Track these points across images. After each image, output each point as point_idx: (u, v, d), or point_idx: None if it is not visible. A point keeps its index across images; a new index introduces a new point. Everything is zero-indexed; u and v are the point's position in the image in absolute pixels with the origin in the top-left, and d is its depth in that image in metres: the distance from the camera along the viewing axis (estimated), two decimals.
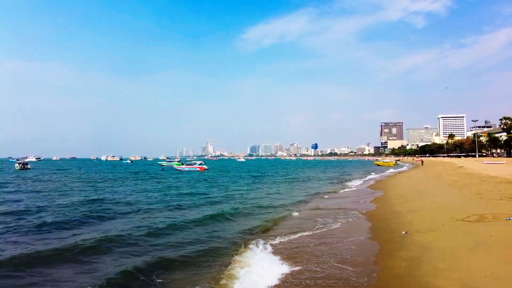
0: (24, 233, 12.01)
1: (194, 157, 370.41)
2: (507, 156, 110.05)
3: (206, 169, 64.93)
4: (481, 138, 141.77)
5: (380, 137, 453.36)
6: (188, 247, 10.34)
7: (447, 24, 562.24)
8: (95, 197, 22.44)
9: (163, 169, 75.14)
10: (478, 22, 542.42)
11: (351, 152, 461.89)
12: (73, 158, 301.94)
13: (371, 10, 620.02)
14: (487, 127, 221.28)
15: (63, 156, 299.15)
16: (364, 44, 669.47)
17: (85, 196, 22.74)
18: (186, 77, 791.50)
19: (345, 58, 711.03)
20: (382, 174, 52.79)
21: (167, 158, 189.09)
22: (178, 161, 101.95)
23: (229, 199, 22.34)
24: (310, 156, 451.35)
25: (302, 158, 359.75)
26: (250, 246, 10.35)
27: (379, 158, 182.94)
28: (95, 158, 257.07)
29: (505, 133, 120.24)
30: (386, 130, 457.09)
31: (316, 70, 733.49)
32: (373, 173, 54.33)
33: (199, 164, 69.67)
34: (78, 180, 39.20)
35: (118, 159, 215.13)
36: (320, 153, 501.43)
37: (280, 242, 11.07)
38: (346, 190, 28.36)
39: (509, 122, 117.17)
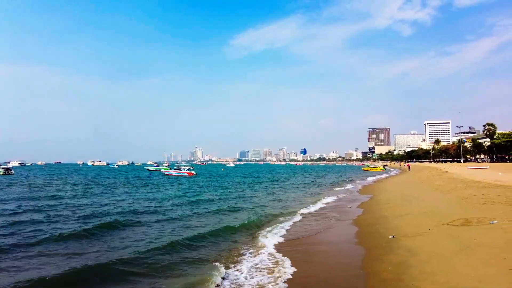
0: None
1: (183, 162, 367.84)
2: (490, 161, 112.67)
3: (194, 175, 64.30)
4: (466, 144, 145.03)
5: (367, 142, 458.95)
6: None
7: (432, 33, 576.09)
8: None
9: (150, 174, 74.15)
10: (462, 31, 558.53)
11: (339, 157, 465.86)
12: (59, 163, 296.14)
13: (359, 18, 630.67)
14: (471, 133, 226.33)
15: (49, 161, 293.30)
16: (352, 51, 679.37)
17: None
18: (176, 81, 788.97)
19: (334, 65, 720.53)
20: (370, 179, 53.23)
21: (155, 163, 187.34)
22: (166, 166, 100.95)
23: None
24: (299, 161, 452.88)
25: (291, 163, 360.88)
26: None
27: (367, 163, 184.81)
28: (81, 163, 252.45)
29: (488, 139, 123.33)
30: (374, 136, 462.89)
31: (305, 76, 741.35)
32: (360, 179, 54.70)
33: (187, 169, 68.93)
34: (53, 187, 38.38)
35: (105, 164, 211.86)
36: (309, 158, 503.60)
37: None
38: (334, 194, 28.46)
39: (492, 128, 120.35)
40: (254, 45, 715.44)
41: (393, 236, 10.71)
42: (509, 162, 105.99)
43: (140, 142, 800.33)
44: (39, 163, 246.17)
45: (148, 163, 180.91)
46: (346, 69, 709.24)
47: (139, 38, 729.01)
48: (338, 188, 35.24)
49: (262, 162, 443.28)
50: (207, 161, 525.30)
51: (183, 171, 67.00)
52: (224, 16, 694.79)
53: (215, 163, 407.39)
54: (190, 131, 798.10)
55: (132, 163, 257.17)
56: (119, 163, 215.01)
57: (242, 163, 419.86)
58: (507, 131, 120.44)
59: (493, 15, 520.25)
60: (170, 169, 77.51)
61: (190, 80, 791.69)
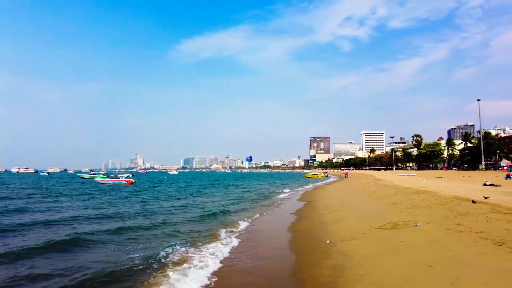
0: None
1: (121, 170, 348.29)
2: (418, 169, 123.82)
3: (133, 183, 61.06)
4: (397, 153, 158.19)
5: (309, 150, 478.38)
6: None
7: (370, 50, 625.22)
8: None
9: (83, 182, 68.51)
10: (394, 50, 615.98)
11: (283, 164, 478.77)
12: None
13: (303, 32, 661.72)
14: (402, 143, 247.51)
15: None
16: (297, 63, 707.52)
17: None
18: (117, 86, 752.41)
19: (280, 76, 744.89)
20: (311, 185, 55.29)
21: (91, 170, 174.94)
22: (103, 174, 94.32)
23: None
24: (245, 168, 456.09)
25: (237, 170, 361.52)
26: None
27: (309, 171, 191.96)
28: (3, 170, 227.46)
29: (416, 149, 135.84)
30: (315, 144, 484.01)
31: (252, 86, 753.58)
32: (301, 185, 56.53)
33: (125, 177, 65.30)
34: None
35: (33, 171, 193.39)
36: (254, 166, 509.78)
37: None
38: (277, 201, 29.01)
39: (419, 139, 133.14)
40: (201, 52, 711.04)
41: (331, 241, 11.16)
42: (432, 169, 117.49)
43: (75, 148, 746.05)
44: None
45: (83, 170, 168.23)
46: (290, 81, 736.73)
47: (77, 39, 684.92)
48: (281, 196, 35.91)
49: (207, 170, 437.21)
50: (148, 168, 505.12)
51: (121, 179, 63.31)
52: (169, 21, 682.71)
53: (157, 170, 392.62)
54: (130, 137, 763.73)
55: (65, 170, 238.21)
56: (50, 171, 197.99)
57: (187, 170, 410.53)
58: (431, 142, 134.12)
59: (418, 38, 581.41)
60: (108, 177, 72.84)
61: (131, 85, 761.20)
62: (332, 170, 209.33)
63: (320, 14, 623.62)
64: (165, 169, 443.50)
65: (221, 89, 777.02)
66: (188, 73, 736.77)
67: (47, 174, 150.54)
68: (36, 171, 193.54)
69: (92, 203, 26.83)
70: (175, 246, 11.74)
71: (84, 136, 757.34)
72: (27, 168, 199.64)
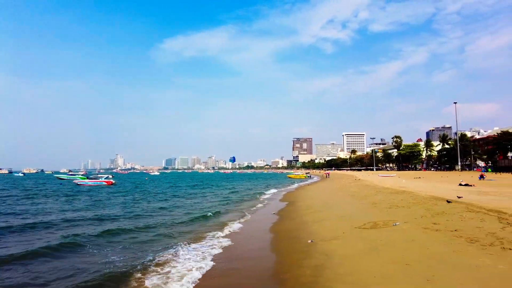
0: None
1: (101, 170, 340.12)
2: (397, 170, 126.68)
3: (113, 184, 59.83)
4: (378, 154, 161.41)
5: (292, 151, 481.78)
6: None
7: (352, 52, 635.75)
8: None
9: (61, 183, 66.46)
10: (376, 53, 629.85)
11: (267, 165, 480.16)
12: None
13: (286, 34, 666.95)
14: (383, 144, 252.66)
15: None
16: (280, 65, 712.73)
17: None
18: (97, 84, 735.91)
19: (263, 77, 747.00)
20: (294, 186, 55.71)
21: (69, 171, 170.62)
22: (82, 175, 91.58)
23: None
24: (228, 169, 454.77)
25: (220, 171, 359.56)
26: None
27: (291, 171, 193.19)
28: None
29: (396, 150, 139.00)
30: (298, 145, 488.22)
31: (236, 86, 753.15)
32: (284, 186, 56.87)
33: (105, 178, 63.79)
34: None
35: (7, 172, 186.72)
36: (237, 166, 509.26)
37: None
38: (259, 201, 29.07)
39: (399, 140, 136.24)
40: (184, 51, 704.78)
41: (312, 241, 11.29)
42: (412, 170, 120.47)
43: (53, 147, 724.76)
44: None
45: (61, 171, 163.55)
46: (274, 82, 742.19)
47: (54, 37, 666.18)
48: (265, 196, 35.99)
49: (189, 170, 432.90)
50: (129, 169, 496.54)
51: (100, 180, 61.83)
52: (152, 20, 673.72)
53: (138, 171, 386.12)
54: (111, 137, 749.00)
55: (42, 171, 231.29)
56: (25, 171, 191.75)
57: (168, 171, 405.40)
58: (410, 143, 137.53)
59: (399, 41, 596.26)
60: (87, 178, 71.01)
61: (112, 84, 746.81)
62: (314, 170, 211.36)
63: (303, 16, 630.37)
64: (146, 169, 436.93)
65: (204, 89, 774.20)
66: (171, 73, 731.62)
67: (22, 175, 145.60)
68: (11, 172, 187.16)
69: (70, 206, 26.11)
70: (158, 249, 11.61)
71: (62, 135, 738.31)
72: (0, 169, 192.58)
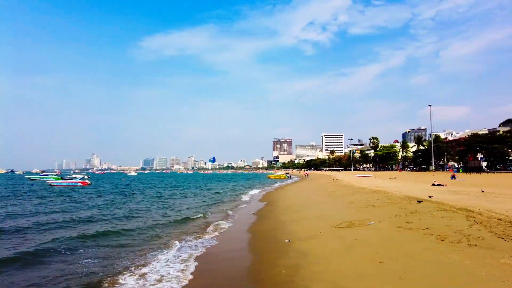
0: None
1: (77, 171, 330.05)
2: (374, 170, 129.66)
3: (89, 184, 58.17)
4: (355, 155, 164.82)
5: (272, 151, 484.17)
6: None
7: (331, 54, 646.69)
8: None
9: (32, 184, 63.65)
10: (355, 55, 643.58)
11: (247, 165, 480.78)
12: None
13: (267, 35, 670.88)
14: (360, 145, 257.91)
15: None
16: (261, 66, 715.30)
17: None
18: (72, 82, 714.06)
19: (244, 77, 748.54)
20: (274, 186, 55.99)
21: (42, 171, 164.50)
22: (56, 175, 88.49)
23: None
24: (208, 169, 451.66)
25: (200, 171, 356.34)
26: None
27: (272, 171, 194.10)
28: None
29: (373, 150, 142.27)
30: (278, 146, 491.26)
31: (216, 86, 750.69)
32: (263, 186, 57.06)
33: (80, 179, 61.83)
34: None
35: None
36: (217, 167, 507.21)
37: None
38: (239, 202, 29.05)
39: (376, 141, 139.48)
40: (164, 49, 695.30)
41: (289, 240, 11.38)
42: (388, 170, 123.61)
43: (24, 147, 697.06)
44: None
45: (33, 171, 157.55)
46: (255, 82, 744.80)
47: (28, 35, 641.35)
48: (245, 196, 35.97)
49: (168, 171, 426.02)
50: (105, 169, 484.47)
51: (75, 180, 59.88)
52: (130, 17, 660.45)
53: (115, 171, 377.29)
54: (86, 137, 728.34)
55: (12, 171, 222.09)
56: None
57: (146, 171, 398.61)
58: (387, 144, 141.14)
59: (377, 45, 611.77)
60: (61, 178, 68.66)
61: (90, 83, 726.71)
62: (294, 170, 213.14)
63: (284, 17, 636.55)
64: (123, 170, 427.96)
65: (184, 88, 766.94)
66: (151, 71, 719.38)
67: None
68: None
69: (43, 208, 25.07)
70: (137, 251, 11.41)
71: (35, 134, 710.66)
72: None
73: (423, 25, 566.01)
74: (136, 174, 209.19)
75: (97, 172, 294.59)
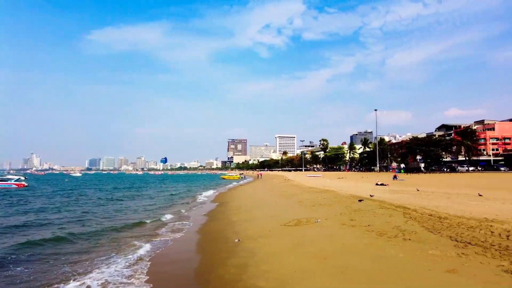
0: None
1: (12, 171, 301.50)
2: (324, 170, 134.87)
3: (26, 186, 53.51)
4: (307, 156, 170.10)
5: (227, 152, 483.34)
6: None
7: (285, 57, 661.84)
8: None
9: None
10: (308, 60, 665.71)
11: (201, 166, 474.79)
12: None
13: (224, 35, 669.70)
14: (311, 146, 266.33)
15: None
16: (217, 66, 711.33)
17: None
18: (8, 77, 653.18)
19: (199, 76, 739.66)
20: (227, 187, 55.86)
21: None
22: None
23: None
24: (159, 170, 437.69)
25: (150, 172, 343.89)
26: None
27: (226, 172, 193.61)
28: None
29: (323, 152, 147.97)
30: (233, 146, 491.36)
31: (169, 84, 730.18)
32: (217, 187, 56.76)
33: (16, 180, 56.63)
34: None
35: None
36: (169, 167, 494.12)
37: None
38: (191, 202, 28.60)
39: (325, 143, 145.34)
40: (115, 44, 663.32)
41: (239, 240, 11.47)
42: (336, 171, 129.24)
43: None
44: None
45: None
46: (210, 82, 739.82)
47: None
48: (197, 198, 35.47)
49: (116, 172, 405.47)
50: (46, 170, 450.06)
51: (9, 182, 54.65)
52: (78, 9, 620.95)
53: (57, 172, 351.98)
54: (24, 135, 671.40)
55: None
56: None
57: (92, 172, 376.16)
58: (336, 146, 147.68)
59: (329, 50, 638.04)
60: None
61: (28, 75, 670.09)
62: (248, 171, 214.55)
63: (241, 19, 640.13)
64: (66, 170, 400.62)
65: (135, 85, 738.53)
66: (99, 66, 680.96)
67: None
68: None
69: None
70: (81, 259, 10.71)
71: None
72: None
73: (372, 34, 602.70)
74: (81, 174, 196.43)
75: (36, 172, 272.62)
